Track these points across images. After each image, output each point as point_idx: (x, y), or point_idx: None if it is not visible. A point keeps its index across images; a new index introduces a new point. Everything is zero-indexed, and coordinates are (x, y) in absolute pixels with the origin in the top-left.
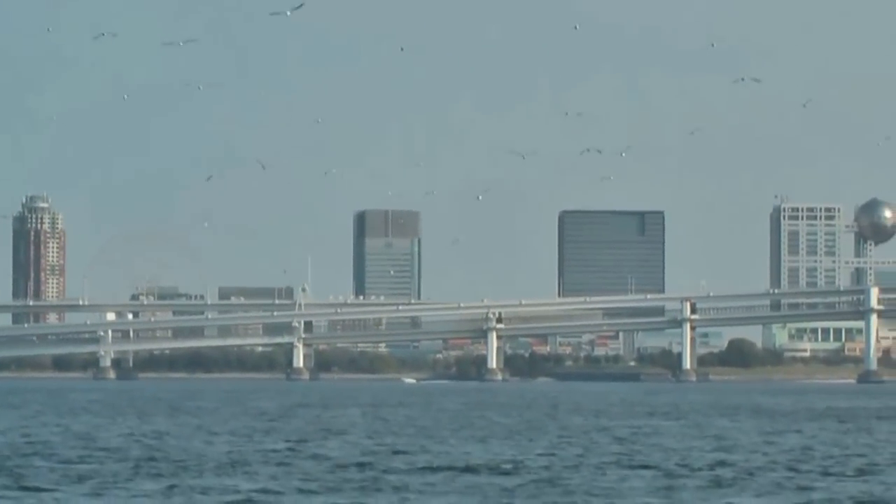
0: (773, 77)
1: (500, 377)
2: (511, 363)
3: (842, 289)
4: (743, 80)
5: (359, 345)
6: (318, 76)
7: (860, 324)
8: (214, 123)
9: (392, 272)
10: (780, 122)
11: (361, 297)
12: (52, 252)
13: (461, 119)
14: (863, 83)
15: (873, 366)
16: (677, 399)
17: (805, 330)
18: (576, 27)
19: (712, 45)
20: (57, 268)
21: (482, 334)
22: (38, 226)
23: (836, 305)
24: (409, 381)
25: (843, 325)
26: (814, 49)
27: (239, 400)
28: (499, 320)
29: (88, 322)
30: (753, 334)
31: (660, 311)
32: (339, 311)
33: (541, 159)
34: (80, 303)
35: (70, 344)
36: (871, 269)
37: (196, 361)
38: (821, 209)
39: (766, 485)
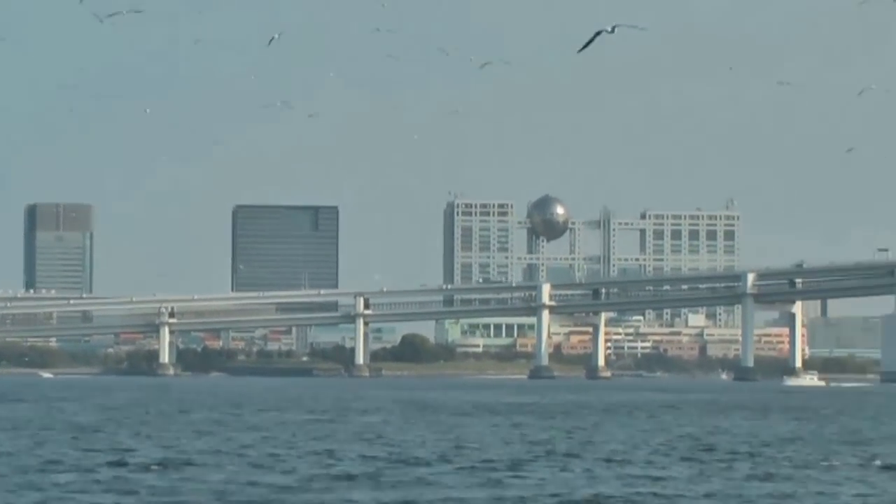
0: (451, 74)
1: (171, 372)
2: (183, 358)
3: (514, 285)
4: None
5: (29, 339)
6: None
7: (532, 320)
8: None
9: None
10: (456, 120)
11: (32, 291)
12: None
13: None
14: (532, 82)
15: (544, 361)
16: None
17: (478, 325)
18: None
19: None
20: None
21: (154, 329)
22: None
23: (509, 301)
24: (47, 375)
25: (516, 320)
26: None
27: None
28: (171, 314)
29: None
30: (427, 329)
31: (333, 306)
32: (8, 304)
33: (218, 154)
34: None
35: None
36: (543, 265)
37: None
38: (494, 206)
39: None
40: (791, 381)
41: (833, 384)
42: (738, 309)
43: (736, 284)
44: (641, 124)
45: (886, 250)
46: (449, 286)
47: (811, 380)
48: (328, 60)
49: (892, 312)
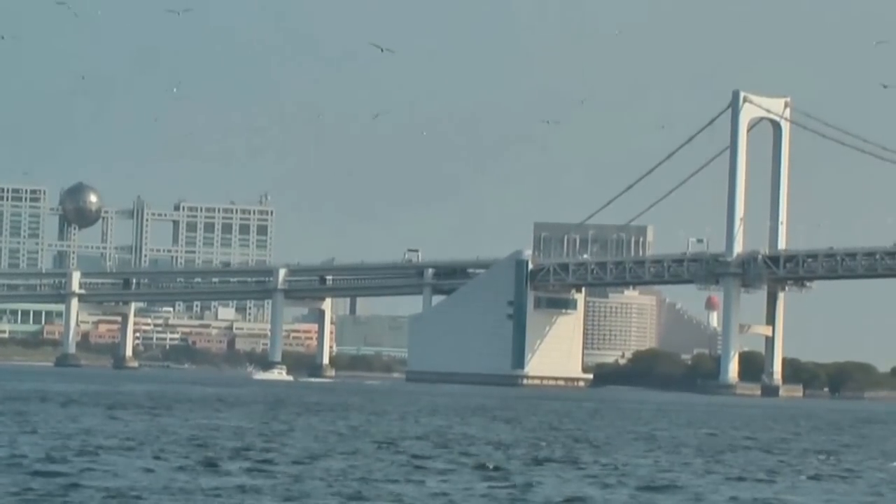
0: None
1: None
2: None
3: (44, 271)
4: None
5: None
6: None
7: (61, 307)
8: None
9: None
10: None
11: None
12: None
13: None
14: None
15: (72, 349)
16: None
17: (5, 311)
18: None
19: None
20: None
21: None
22: None
23: (38, 288)
24: None
25: (44, 307)
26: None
27: None
28: None
29: None
30: None
31: None
32: None
33: None
34: None
35: None
36: (74, 252)
37: None
38: (26, 191)
39: None
40: (259, 375)
41: (302, 379)
42: (268, 304)
43: (267, 279)
44: (181, 115)
45: (417, 251)
46: None
47: (279, 374)
48: None
49: (419, 313)
